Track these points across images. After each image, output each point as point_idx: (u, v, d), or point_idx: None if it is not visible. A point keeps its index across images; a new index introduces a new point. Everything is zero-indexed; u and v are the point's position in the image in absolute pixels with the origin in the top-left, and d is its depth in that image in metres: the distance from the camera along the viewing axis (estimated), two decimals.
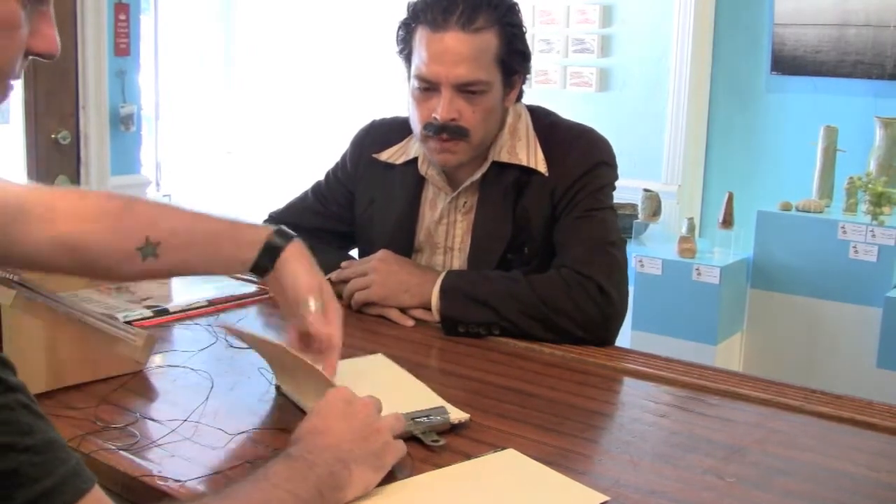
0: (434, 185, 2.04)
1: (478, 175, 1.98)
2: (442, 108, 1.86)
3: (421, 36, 1.87)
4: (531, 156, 1.97)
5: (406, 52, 1.93)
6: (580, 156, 1.96)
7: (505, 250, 1.96)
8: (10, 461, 0.76)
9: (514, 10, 1.92)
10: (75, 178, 4.20)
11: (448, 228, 2.03)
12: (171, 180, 5.50)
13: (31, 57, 0.94)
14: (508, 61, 1.91)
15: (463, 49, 1.84)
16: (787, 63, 4.30)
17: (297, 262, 1.44)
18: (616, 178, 2.02)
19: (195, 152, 5.89)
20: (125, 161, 4.47)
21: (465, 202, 2.02)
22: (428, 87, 1.88)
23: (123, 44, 4.28)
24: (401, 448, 1.22)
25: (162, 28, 5.22)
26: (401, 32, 1.94)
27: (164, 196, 5.14)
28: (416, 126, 1.93)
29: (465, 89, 1.86)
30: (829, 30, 4.16)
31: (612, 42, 4.74)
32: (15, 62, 0.91)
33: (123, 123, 4.39)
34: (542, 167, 1.96)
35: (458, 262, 2.02)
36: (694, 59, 4.51)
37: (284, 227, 1.48)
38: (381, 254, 1.97)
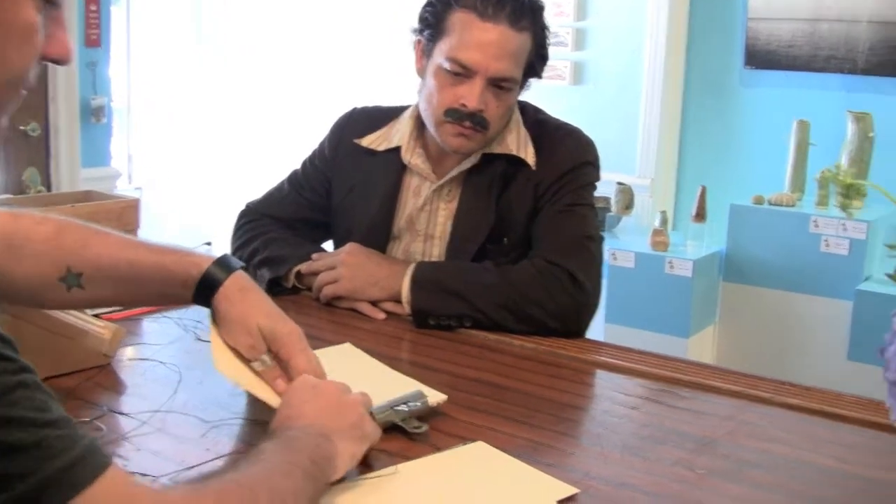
0: (419, 173, 2.02)
1: (467, 166, 1.97)
2: (474, 98, 1.84)
3: (464, 20, 1.84)
4: (521, 148, 1.97)
5: (434, 31, 1.89)
6: (567, 154, 1.97)
7: (485, 241, 1.95)
8: (34, 435, 0.77)
9: (544, 15, 1.92)
10: (45, 171, 4.17)
11: (430, 216, 2.02)
12: (142, 173, 5.46)
13: (43, 63, 0.93)
14: (534, 63, 1.92)
15: (508, 45, 1.84)
16: (761, 57, 4.32)
17: (232, 304, 1.31)
18: (598, 178, 2.03)
19: (167, 145, 5.84)
20: (96, 153, 4.44)
21: (450, 191, 2.01)
22: (460, 73, 1.85)
23: (94, 35, 4.24)
24: (375, 425, 1.23)
25: (134, 20, 5.18)
26: (431, 9, 1.90)
27: (137, 189, 5.11)
28: (434, 108, 1.90)
29: (497, 83, 1.86)
30: (802, 24, 4.18)
31: (586, 36, 4.74)
32: (31, 68, 0.90)
33: (94, 115, 4.35)
34: (531, 160, 1.96)
35: (438, 250, 2.01)
36: (668, 53, 4.51)
37: (228, 257, 1.36)
38: (349, 247, 1.96)
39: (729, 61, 4.46)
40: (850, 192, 3.71)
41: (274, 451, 1.04)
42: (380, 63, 5.33)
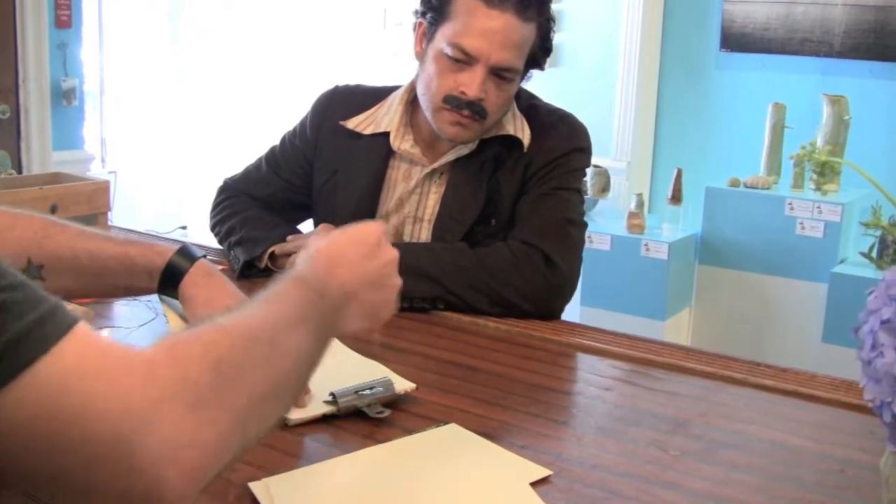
0: (411, 160, 2.00)
1: (464, 152, 1.95)
2: (475, 86, 1.81)
3: (469, 5, 1.80)
4: (518, 129, 1.95)
5: (437, 14, 1.86)
6: (560, 139, 1.95)
7: (473, 222, 1.93)
8: None
9: (551, 7, 1.90)
10: (16, 154, 4.12)
11: (421, 198, 2.00)
12: (116, 156, 5.42)
13: None
14: (536, 55, 1.90)
15: (514, 35, 1.81)
16: (736, 40, 4.31)
17: (199, 288, 1.33)
18: (589, 164, 2.02)
19: (141, 128, 5.80)
20: (67, 136, 4.40)
21: (442, 174, 1.99)
22: (461, 60, 1.82)
23: (65, 16, 4.19)
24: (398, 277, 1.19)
25: (105, 1, 5.13)
26: None
27: (111, 173, 5.07)
28: (433, 94, 1.87)
29: (499, 73, 1.83)
30: (777, 7, 4.18)
31: (562, 18, 4.72)
32: None
33: (65, 98, 4.31)
34: (527, 141, 1.94)
35: (426, 232, 1.99)
36: (644, 36, 4.51)
37: (188, 246, 1.37)
38: (321, 228, 1.94)
39: (704, 44, 4.45)
40: (825, 171, 3.72)
41: (285, 295, 0.97)
42: (354, 44, 5.30)
